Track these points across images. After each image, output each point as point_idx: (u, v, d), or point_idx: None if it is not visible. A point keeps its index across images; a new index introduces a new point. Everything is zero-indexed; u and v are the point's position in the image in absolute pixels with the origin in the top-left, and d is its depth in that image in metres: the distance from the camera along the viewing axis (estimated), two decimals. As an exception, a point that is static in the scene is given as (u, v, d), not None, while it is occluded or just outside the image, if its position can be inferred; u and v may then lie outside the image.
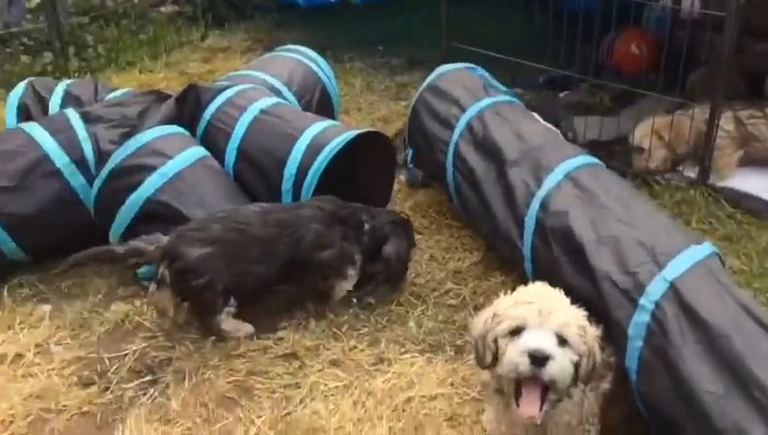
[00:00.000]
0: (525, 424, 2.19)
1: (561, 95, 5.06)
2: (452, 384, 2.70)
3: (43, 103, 3.92)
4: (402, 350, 2.90)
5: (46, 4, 5.48)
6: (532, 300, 2.10)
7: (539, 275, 2.74)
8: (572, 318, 2.10)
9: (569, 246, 2.73)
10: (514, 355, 2.05)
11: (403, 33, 6.74)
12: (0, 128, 4.06)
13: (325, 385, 2.72)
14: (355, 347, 2.92)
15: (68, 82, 4.15)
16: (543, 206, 2.92)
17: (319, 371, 2.79)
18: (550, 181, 2.98)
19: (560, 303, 2.13)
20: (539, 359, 2.02)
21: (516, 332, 2.08)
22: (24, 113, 3.89)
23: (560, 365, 2.04)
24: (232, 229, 2.93)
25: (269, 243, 2.96)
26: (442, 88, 3.83)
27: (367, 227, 3.16)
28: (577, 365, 2.09)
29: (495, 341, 2.13)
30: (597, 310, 2.39)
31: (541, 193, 2.96)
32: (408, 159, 4.07)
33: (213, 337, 2.93)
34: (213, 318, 2.91)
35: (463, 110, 3.59)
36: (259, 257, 2.95)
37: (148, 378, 2.76)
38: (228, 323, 2.94)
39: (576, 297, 2.22)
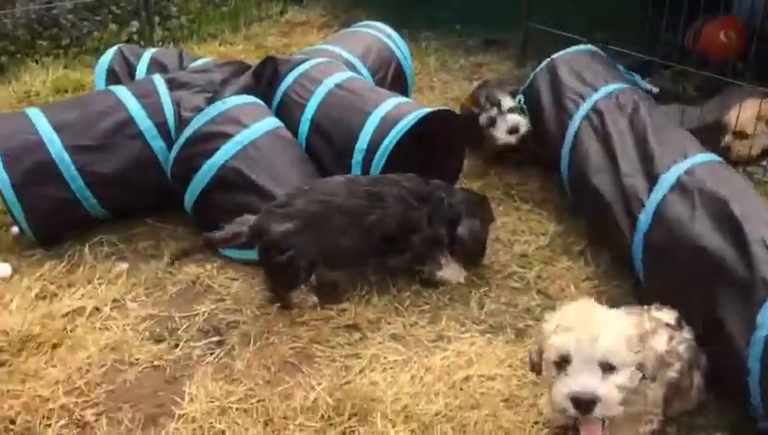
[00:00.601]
0: None
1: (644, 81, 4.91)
2: (511, 366, 2.70)
3: (131, 69, 4.09)
4: (462, 329, 2.91)
5: (135, -26, 5.69)
6: (573, 326, 2.02)
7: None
8: (622, 334, 2.02)
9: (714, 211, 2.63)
10: (561, 398, 2.00)
11: (481, 13, 6.64)
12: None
13: (384, 358, 2.76)
14: (416, 323, 2.95)
15: (154, 50, 4.30)
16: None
17: (379, 343, 2.83)
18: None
19: (603, 325, 2.03)
20: (585, 403, 1.97)
21: (561, 363, 2.03)
22: (111, 78, 4.06)
23: (610, 404, 1.98)
24: (316, 201, 2.94)
25: (356, 214, 2.97)
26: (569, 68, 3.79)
27: (446, 204, 3.13)
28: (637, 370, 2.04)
29: (544, 362, 2.12)
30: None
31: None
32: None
33: (278, 304, 3.01)
34: (290, 291, 2.98)
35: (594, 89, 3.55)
36: (345, 229, 2.96)
37: (215, 338, 2.86)
38: (299, 296, 3.00)
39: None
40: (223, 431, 2.43)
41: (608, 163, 3.21)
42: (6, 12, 5.50)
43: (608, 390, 1.99)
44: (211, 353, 2.78)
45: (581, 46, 3.97)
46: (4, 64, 5.32)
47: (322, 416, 2.49)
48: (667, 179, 2.87)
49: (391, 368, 2.71)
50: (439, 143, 3.63)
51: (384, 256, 3.12)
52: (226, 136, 3.31)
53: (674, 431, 2.44)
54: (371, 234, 2.99)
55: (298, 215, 2.91)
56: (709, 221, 2.62)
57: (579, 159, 3.39)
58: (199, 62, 4.12)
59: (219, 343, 2.83)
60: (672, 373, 2.26)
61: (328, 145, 3.53)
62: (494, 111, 3.94)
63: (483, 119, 4.01)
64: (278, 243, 2.88)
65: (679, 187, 2.82)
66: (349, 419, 2.47)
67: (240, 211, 3.22)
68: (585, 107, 3.49)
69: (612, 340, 2.00)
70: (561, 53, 3.90)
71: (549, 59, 3.88)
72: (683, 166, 2.89)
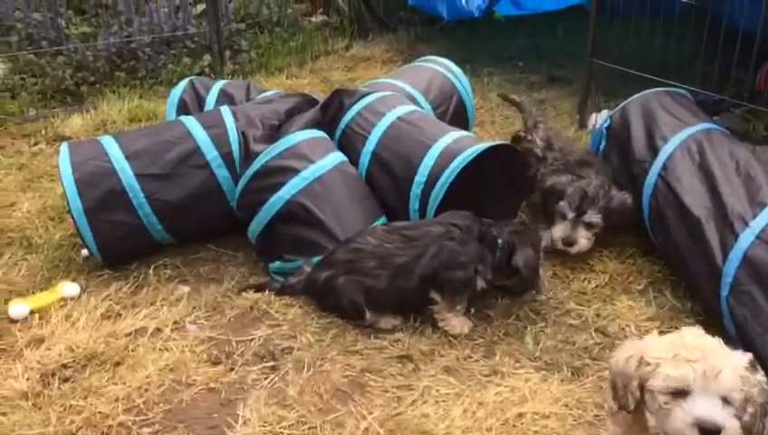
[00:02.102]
0: None
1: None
2: (566, 405, 2.64)
3: (200, 100, 4.24)
4: (517, 364, 2.87)
5: (209, 10, 5.91)
6: (694, 358, 1.95)
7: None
8: (739, 372, 1.96)
9: None
10: (683, 425, 1.94)
11: (544, 49, 6.66)
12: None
13: (437, 390, 2.74)
14: (470, 356, 2.92)
15: (223, 81, 4.46)
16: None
17: (432, 375, 2.82)
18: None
19: (725, 359, 1.98)
20: (711, 432, 1.92)
21: (679, 394, 1.97)
22: (182, 108, 4.22)
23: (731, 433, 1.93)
24: (350, 250, 3.14)
25: (384, 257, 3.07)
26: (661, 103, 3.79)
27: (500, 242, 3.10)
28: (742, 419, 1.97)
29: (641, 387, 2.04)
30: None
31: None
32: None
33: (333, 331, 3.04)
34: (362, 321, 3.10)
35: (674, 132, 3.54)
36: (375, 271, 3.06)
37: (270, 363, 2.89)
38: (373, 320, 3.10)
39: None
40: (274, 456, 2.45)
41: (705, 185, 3.18)
42: (89, 45, 5.80)
43: (733, 422, 1.93)
44: (265, 378, 2.82)
45: (672, 89, 3.95)
46: (84, 94, 5.60)
47: (373, 446, 2.48)
48: None
49: (443, 401, 2.69)
50: (498, 180, 3.62)
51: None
52: (293, 171, 3.39)
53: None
54: (405, 274, 3.04)
55: (336, 263, 3.14)
56: None
57: (671, 180, 3.34)
58: (269, 93, 4.25)
59: (273, 368, 2.87)
60: (746, 417, 2.16)
61: (388, 177, 3.57)
62: (568, 209, 3.49)
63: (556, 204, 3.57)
64: (322, 288, 3.13)
65: None
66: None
67: (302, 245, 3.36)
68: (680, 136, 3.48)
69: (734, 374, 1.95)
70: (653, 90, 3.90)
71: (640, 94, 3.88)
72: None
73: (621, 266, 3.49)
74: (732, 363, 1.97)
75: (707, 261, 2.94)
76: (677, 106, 3.75)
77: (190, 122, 3.64)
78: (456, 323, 3.04)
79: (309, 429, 2.57)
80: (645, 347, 2.07)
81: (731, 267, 2.80)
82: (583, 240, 3.44)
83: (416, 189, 3.39)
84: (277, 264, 3.43)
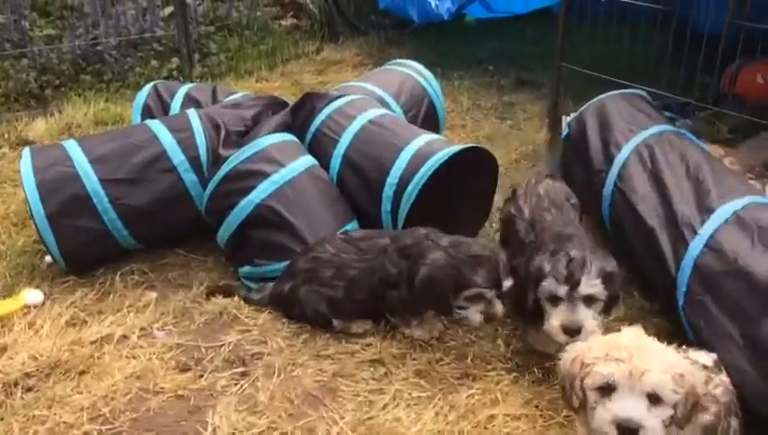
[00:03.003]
0: None
1: (677, 123, 4.87)
2: (537, 406, 2.65)
3: (165, 105, 4.18)
4: (489, 366, 2.87)
5: (177, 13, 5.84)
6: (623, 357, 2.00)
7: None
8: (669, 371, 1.99)
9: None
10: (603, 423, 2.00)
11: (513, 53, 6.70)
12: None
13: (409, 394, 2.73)
14: (441, 359, 2.91)
15: (189, 85, 4.39)
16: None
17: (403, 379, 2.80)
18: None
19: (654, 357, 2.02)
20: (629, 431, 1.96)
21: (605, 390, 2.02)
22: (146, 114, 4.16)
23: (652, 433, 1.97)
24: (310, 259, 3.12)
25: (339, 267, 3.05)
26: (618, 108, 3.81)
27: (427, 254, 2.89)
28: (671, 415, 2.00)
29: (584, 390, 2.08)
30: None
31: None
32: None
33: (304, 336, 3.02)
34: (331, 329, 3.08)
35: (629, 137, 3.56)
36: (332, 281, 3.05)
37: (240, 369, 2.86)
38: (343, 326, 3.08)
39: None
40: (244, 463, 2.42)
41: (657, 192, 3.20)
42: (54, 47, 5.70)
43: (654, 421, 1.97)
44: (235, 384, 2.78)
45: (628, 90, 3.98)
46: (48, 97, 5.49)
47: (344, 451, 2.46)
48: (724, 211, 2.84)
49: (415, 404, 2.68)
50: (469, 184, 3.62)
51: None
52: (264, 175, 3.36)
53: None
54: (358, 286, 3.02)
55: (297, 273, 3.13)
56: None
57: (626, 190, 3.36)
58: (235, 96, 4.20)
59: (244, 374, 2.83)
60: (708, 417, 2.18)
61: (360, 179, 3.56)
62: (555, 285, 2.65)
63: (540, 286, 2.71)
64: (287, 299, 3.12)
65: (736, 220, 2.79)
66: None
67: (273, 249, 3.33)
68: (633, 143, 3.50)
69: (663, 373, 1.98)
70: (609, 93, 3.93)
71: (595, 99, 3.90)
72: (740, 202, 2.86)
73: (591, 268, 3.50)
74: (663, 362, 2.00)
75: (663, 270, 2.96)
76: (632, 109, 3.77)
77: (156, 126, 3.58)
78: (418, 331, 3.01)
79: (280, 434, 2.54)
80: (585, 349, 2.12)
81: (683, 276, 2.82)
82: (590, 322, 2.61)
83: (388, 191, 3.38)
84: (247, 268, 3.39)
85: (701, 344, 2.63)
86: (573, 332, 2.59)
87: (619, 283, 2.72)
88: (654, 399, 1.98)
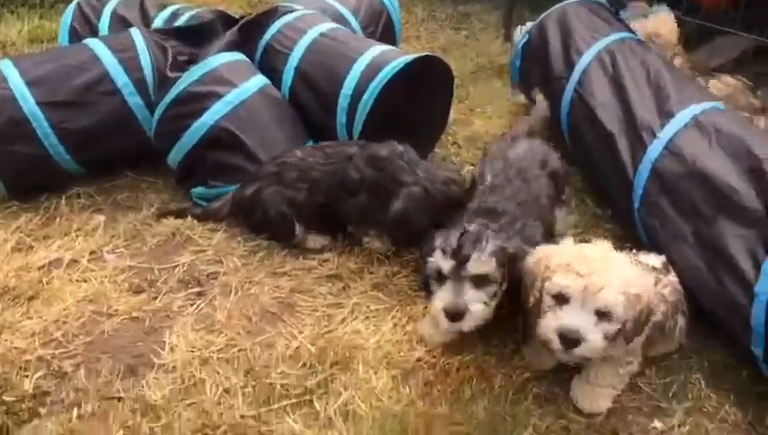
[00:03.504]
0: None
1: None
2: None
3: (91, 26, 3.94)
4: (446, 277, 2.88)
5: None
6: (583, 271, 2.03)
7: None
8: (624, 291, 2.03)
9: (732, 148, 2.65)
10: (548, 330, 2.06)
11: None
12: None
13: (367, 307, 2.73)
14: (399, 272, 2.92)
15: (114, 2, 4.10)
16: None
17: (361, 293, 2.81)
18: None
19: (613, 276, 2.04)
20: (570, 341, 2.02)
21: (559, 300, 2.07)
22: (73, 36, 3.92)
23: (592, 347, 2.03)
24: (276, 164, 3.07)
25: (303, 169, 3.00)
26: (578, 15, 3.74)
27: (401, 179, 2.83)
28: (619, 329, 2.06)
29: (542, 291, 2.11)
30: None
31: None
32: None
33: (260, 254, 2.98)
34: (292, 238, 3.04)
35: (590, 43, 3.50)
36: (292, 182, 3.00)
37: (195, 290, 2.82)
38: (301, 238, 3.05)
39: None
40: (203, 380, 2.41)
41: (617, 98, 3.18)
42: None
43: (596, 336, 2.02)
44: (191, 304, 2.74)
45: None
46: (-21, 15, 5.17)
47: (304, 364, 2.47)
48: (684, 116, 2.85)
49: (374, 317, 2.69)
50: (424, 95, 3.54)
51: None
52: (216, 96, 3.23)
53: (652, 373, 2.45)
54: (319, 189, 2.98)
55: (263, 177, 3.06)
56: (726, 157, 2.61)
57: (585, 95, 3.33)
58: (167, 10, 3.97)
59: (200, 294, 2.79)
60: (657, 316, 2.24)
61: (313, 93, 3.45)
62: (441, 258, 2.34)
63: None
64: (249, 202, 3.05)
65: (695, 124, 2.80)
66: (331, 366, 2.45)
67: (227, 171, 3.24)
68: (594, 49, 3.46)
69: (618, 294, 2.02)
70: (570, 1, 3.85)
71: (556, 7, 3.83)
72: (699, 107, 2.87)
73: (546, 177, 3.51)
74: (620, 282, 2.03)
75: (620, 174, 2.97)
76: (593, 16, 3.72)
77: (97, 46, 3.38)
78: (378, 245, 2.99)
79: (239, 351, 2.53)
80: (552, 253, 2.16)
81: (641, 179, 2.84)
82: (477, 305, 2.26)
83: (342, 103, 3.30)
84: (200, 189, 3.31)
85: (654, 246, 2.68)
86: (456, 315, 2.24)
87: (520, 264, 2.30)
88: (603, 315, 2.02)
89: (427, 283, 2.40)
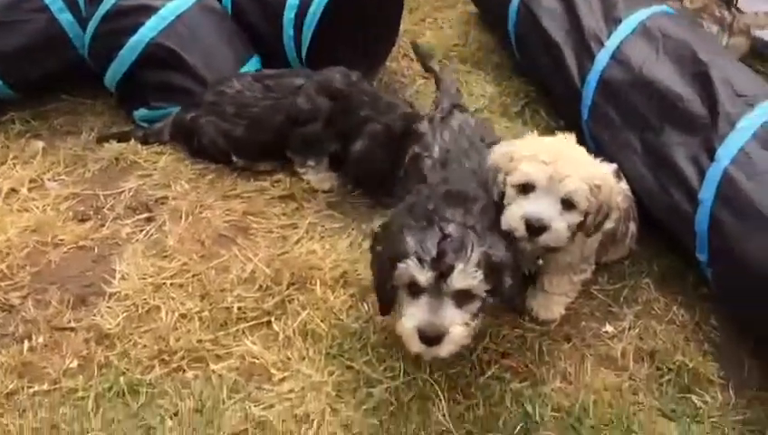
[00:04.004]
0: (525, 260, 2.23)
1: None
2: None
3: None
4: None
5: None
6: (548, 159, 2.03)
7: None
8: (587, 181, 2.04)
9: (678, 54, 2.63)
10: (514, 217, 2.05)
11: None
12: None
13: (322, 226, 2.71)
14: (354, 191, 2.88)
15: None
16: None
17: (316, 212, 2.77)
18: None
19: (577, 166, 2.06)
20: (536, 228, 2.02)
21: (525, 189, 2.06)
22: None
23: (557, 235, 2.04)
24: (215, 93, 2.95)
25: (242, 105, 2.89)
26: None
27: (361, 114, 2.78)
28: (581, 222, 2.07)
29: (506, 184, 2.10)
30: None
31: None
32: None
33: (210, 177, 2.90)
34: (230, 163, 2.97)
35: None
36: (229, 117, 2.91)
37: (144, 215, 2.74)
38: (248, 163, 2.97)
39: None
40: (158, 307, 2.37)
41: (563, 7, 3.10)
42: None
43: (562, 224, 2.04)
44: (141, 231, 2.67)
45: None
46: None
47: (260, 286, 2.45)
48: (630, 22, 2.80)
49: (329, 236, 2.67)
50: (373, 12, 3.40)
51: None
52: (150, 9, 3.05)
53: (604, 280, 2.51)
54: (259, 126, 2.88)
55: (202, 104, 2.96)
56: (672, 64, 2.59)
57: (531, 5, 3.25)
58: None
59: (149, 220, 2.72)
60: (609, 224, 2.27)
61: (258, 5, 3.29)
62: (418, 270, 1.91)
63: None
64: (188, 128, 2.97)
65: (642, 30, 2.76)
66: (287, 287, 2.43)
67: (170, 91, 3.11)
68: None
69: (582, 182, 2.03)
70: None
71: None
72: (646, 12, 2.82)
73: (499, 89, 3.47)
74: (584, 171, 2.05)
75: (568, 85, 2.94)
76: None
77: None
78: (314, 178, 2.90)
79: (193, 276, 2.49)
80: (516, 146, 2.15)
81: (589, 90, 2.81)
82: (458, 329, 1.89)
83: (288, 14, 3.15)
84: (142, 111, 3.17)
85: (602, 155, 2.68)
86: (433, 339, 1.86)
87: (506, 273, 2.00)
88: (567, 204, 2.04)
89: (386, 291, 1.98)
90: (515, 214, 2.05)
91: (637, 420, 2.08)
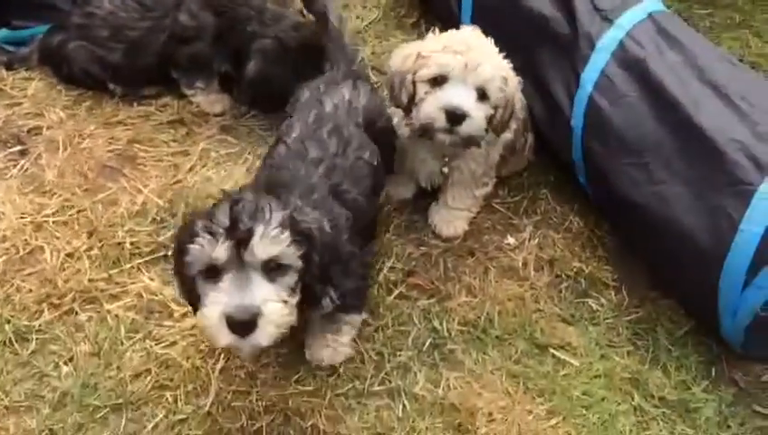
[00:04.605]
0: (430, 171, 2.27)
1: None
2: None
3: None
4: (297, 114, 2.74)
5: None
6: (460, 49, 2.03)
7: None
8: (498, 70, 2.06)
9: None
10: (432, 109, 2.03)
11: None
12: None
13: (216, 152, 2.58)
14: (247, 112, 2.75)
15: None
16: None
17: (209, 137, 2.63)
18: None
19: (488, 55, 2.07)
20: (457, 116, 2.00)
21: (438, 81, 2.04)
22: None
23: (476, 124, 2.03)
24: (84, 14, 2.70)
25: (118, 28, 2.65)
26: None
27: (249, 30, 2.61)
28: (492, 116, 2.08)
29: (414, 83, 2.08)
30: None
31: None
32: None
33: (87, 103, 2.67)
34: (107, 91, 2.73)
35: None
36: (103, 42, 2.66)
37: (16, 148, 2.52)
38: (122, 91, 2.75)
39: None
40: (41, 247, 2.22)
41: None
42: None
43: (479, 113, 2.04)
44: (14, 165, 2.47)
45: None
46: None
47: (154, 219, 2.33)
48: None
49: (225, 162, 2.55)
50: None
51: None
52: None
53: (505, 193, 2.54)
54: (140, 50, 2.66)
55: (69, 27, 2.71)
56: None
57: None
58: None
59: (22, 153, 2.51)
60: (508, 135, 2.29)
61: None
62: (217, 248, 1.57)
63: None
64: (56, 54, 2.71)
65: None
66: (183, 218, 2.31)
67: (34, 8, 2.85)
68: None
69: (494, 70, 2.04)
70: None
71: None
72: None
73: (393, 0, 3.35)
74: (495, 61, 2.08)
75: (448, 14, 2.83)
76: None
77: None
78: (204, 100, 2.73)
79: (78, 212, 2.33)
80: (422, 44, 2.13)
81: (466, 18, 2.70)
82: (273, 305, 1.56)
83: None
84: (4, 32, 2.87)
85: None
86: (246, 325, 1.53)
87: (315, 248, 1.66)
88: (482, 94, 2.04)
89: (188, 290, 1.66)
90: (433, 105, 2.02)
91: (539, 328, 2.16)
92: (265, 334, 1.54)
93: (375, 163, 2.07)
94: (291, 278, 1.60)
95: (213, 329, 1.54)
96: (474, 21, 2.68)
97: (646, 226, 2.15)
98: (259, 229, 1.53)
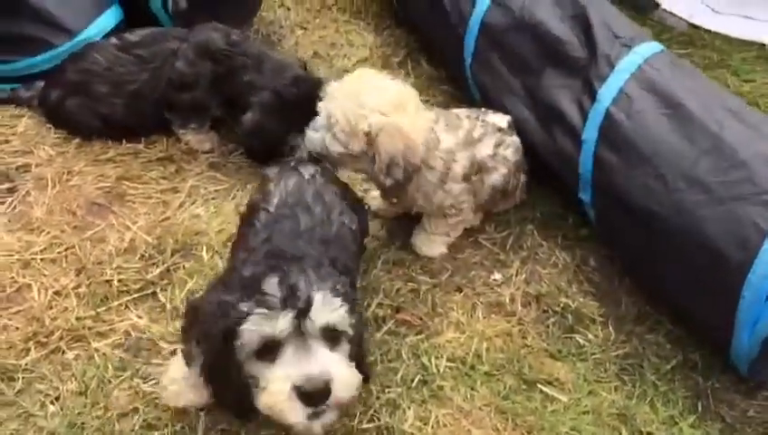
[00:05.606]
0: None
1: None
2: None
3: None
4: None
5: None
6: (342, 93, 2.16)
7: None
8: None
9: None
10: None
11: None
12: None
13: (205, 189, 2.59)
14: (236, 150, 2.77)
15: None
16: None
17: (197, 174, 2.65)
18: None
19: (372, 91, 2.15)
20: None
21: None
22: None
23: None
24: (78, 70, 2.71)
25: (117, 83, 2.68)
26: None
27: (246, 79, 2.64)
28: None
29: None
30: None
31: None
32: None
33: (76, 141, 2.69)
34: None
35: None
36: (104, 98, 2.69)
37: (5, 186, 2.51)
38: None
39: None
40: (29, 285, 2.20)
41: None
42: None
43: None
44: (2, 203, 2.46)
45: None
46: None
47: (142, 256, 2.32)
48: None
49: (213, 199, 2.56)
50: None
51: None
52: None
53: (492, 229, 2.57)
54: (139, 101, 2.69)
55: (65, 84, 2.72)
56: (551, 5, 2.61)
57: None
58: None
59: (10, 190, 2.50)
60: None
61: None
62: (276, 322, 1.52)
63: None
64: (55, 108, 2.73)
65: None
66: (172, 255, 2.33)
67: (19, 41, 2.81)
68: None
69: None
70: None
71: None
72: None
73: (380, 39, 3.41)
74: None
75: (451, 31, 2.91)
76: None
77: None
78: (193, 139, 2.75)
79: (66, 250, 2.32)
80: None
81: (471, 36, 2.80)
82: (342, 370, 1.56)
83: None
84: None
85: (487, 103, 2.71)
86: (319, 396, 1.48)
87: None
88: None
89: (234, 382, 1.54)
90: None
91: (527, 363, 2.16)
92: (338, 400, 1.49)
93: (354, 227, 2.03)
94: (346, 346, 1.57)
95: (283, 405, 1.46)
96: (479, 41, 2.77)
97: (660, 234, 2.16)
98: (318, 297, 1.50)
